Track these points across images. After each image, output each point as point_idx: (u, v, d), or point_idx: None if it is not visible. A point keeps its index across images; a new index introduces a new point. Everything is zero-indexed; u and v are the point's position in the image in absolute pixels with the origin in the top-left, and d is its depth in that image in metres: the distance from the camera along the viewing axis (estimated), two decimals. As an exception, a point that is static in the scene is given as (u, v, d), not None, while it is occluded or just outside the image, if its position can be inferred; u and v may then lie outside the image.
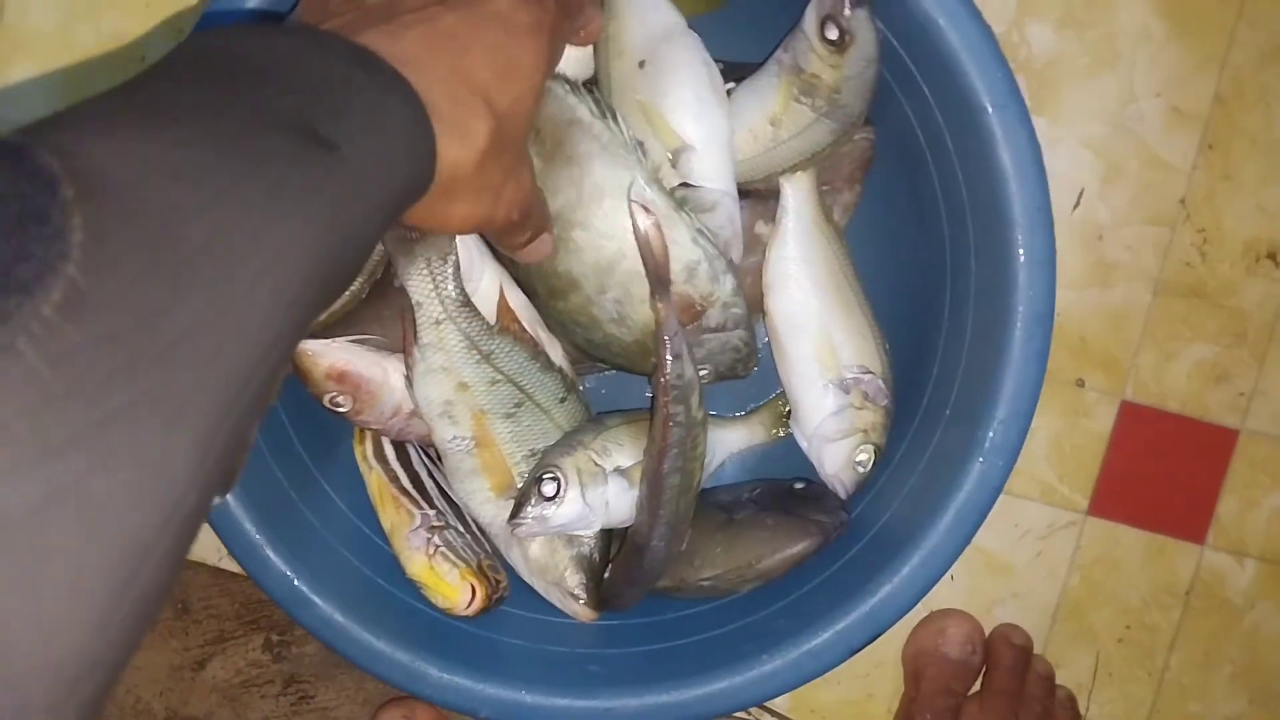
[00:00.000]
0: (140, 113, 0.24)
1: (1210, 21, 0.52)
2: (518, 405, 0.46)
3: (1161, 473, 0.55)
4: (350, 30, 0.31)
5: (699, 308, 0.44)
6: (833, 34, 0.41)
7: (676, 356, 0.43)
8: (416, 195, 0.31)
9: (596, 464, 0.45)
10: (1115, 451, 0.54)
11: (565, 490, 0.44)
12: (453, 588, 0.45)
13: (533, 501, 0.44)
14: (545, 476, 0.45)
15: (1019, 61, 0.53)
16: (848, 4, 0.41)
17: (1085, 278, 0.53)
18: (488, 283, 0.46)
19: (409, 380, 0.46)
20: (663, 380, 0.44)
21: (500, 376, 0.46)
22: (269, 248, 0.23)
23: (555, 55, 0.37)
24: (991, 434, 0.41)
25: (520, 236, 0.40)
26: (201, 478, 0.21)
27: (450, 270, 0.44)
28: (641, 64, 0.44)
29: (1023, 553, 0.55)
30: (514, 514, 0.45)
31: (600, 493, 0.45)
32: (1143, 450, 0.54)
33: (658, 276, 0.42)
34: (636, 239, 0.42)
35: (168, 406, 0.20)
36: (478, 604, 0.45)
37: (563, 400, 0.47)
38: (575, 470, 0.45)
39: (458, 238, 0.45)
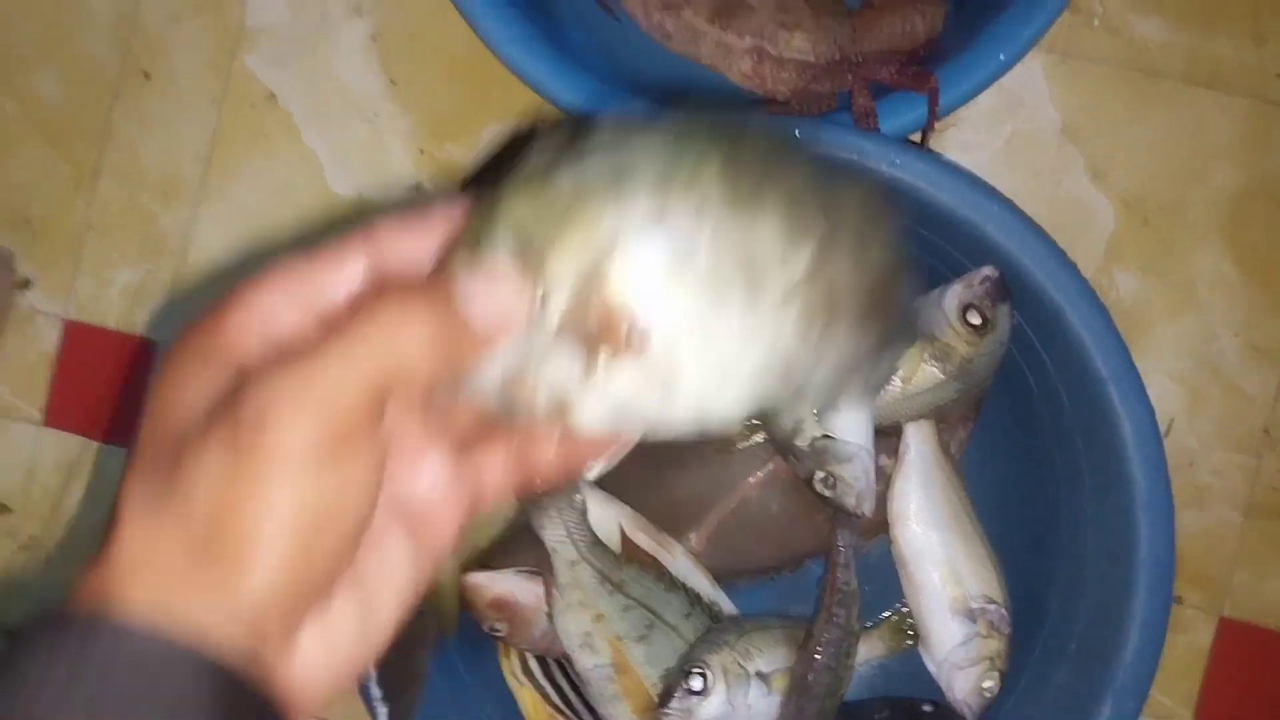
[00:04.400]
0: None
1: (1279, 267, 0.58)
2: (649, 627, 0.50)
3: (1262, 687, 0.57)
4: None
5: None
6: (975, 320, 0.47)
7: (845, 565, 0.49)
8: None
9: (741, 665, 0.49)
10: (1216, 666, 0.57)
11: (712, 686, 0.48)
12: (622, 802, 0.48)
13: (679, 695, 0.48)
14: (694, 671, 0.48)
15: (1108, 303, 0.58)
16: (992, 299, 0.47)
17: (1179, 500, 0.57)
18: (609, 519, 0.51)
19: (549, 616, 0.50)
20: (832, 582, 0.48)
21: (632, 602, 0.50)
22: None
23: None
24: (1121, 676, 0.44)
25: None
26: None
27: (579, 515, 0.49)
28: None
29: (1130, 763, 0.57)
30: (660, 703, 0.48)
31: (743, 693, 0.48)
32: (1243, 665, 0.57)
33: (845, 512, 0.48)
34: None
35: None
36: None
37: (688, 615, 0.51)
38: (721, 668, 0.48)
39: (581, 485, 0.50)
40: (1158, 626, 0.44)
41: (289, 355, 0.23)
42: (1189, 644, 0.57)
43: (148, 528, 0.22)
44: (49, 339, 0.62)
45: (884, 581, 0.55)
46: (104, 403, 0.61)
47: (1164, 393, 0.58)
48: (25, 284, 0.63)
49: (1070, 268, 0.45)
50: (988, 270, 0.47)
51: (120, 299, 0.62)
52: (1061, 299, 0.45)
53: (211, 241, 0.61)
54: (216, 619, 0.22)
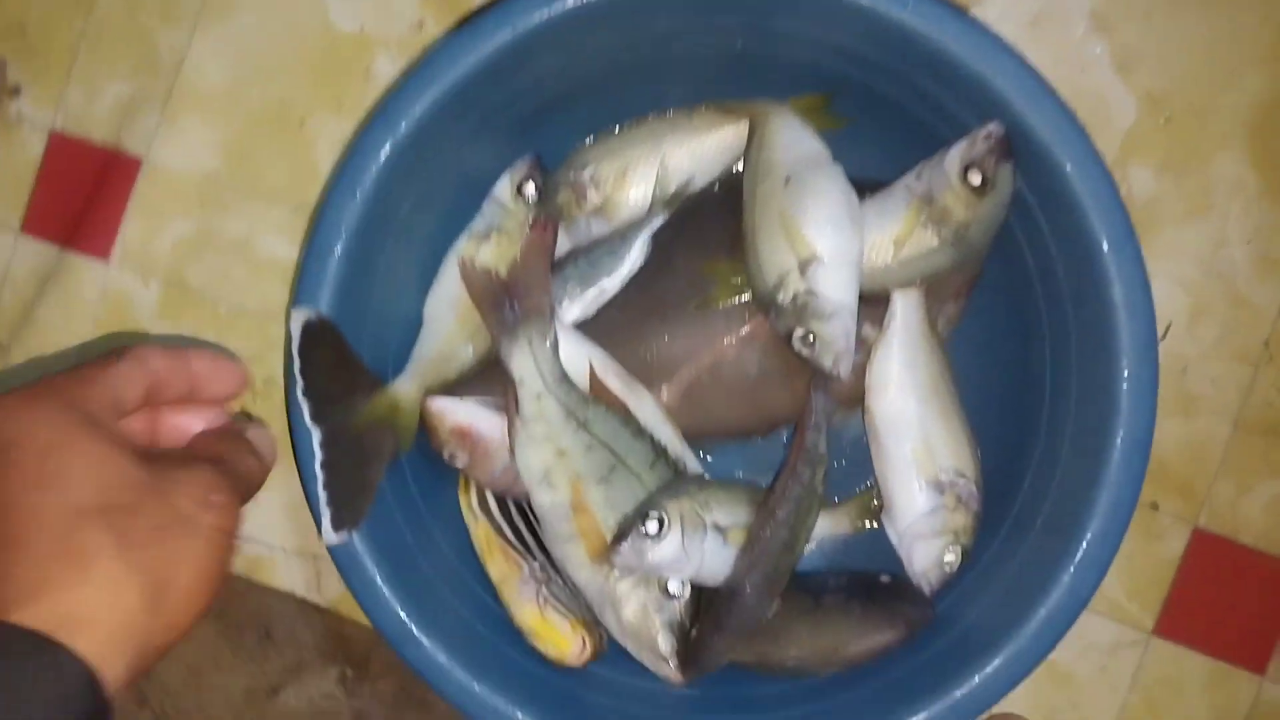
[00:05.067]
0: None
1: (1302, 179, 0.56)
2: (611, 469, 0.49)
3: (1229, 601, 0.56)
4: None
5: None
6: (976, 179, 0.45)
7: (816, 428, 0.48)
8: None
9: (699, 514, 0.48)
10: (1185, 576, 0.56)
11: (667, 530, 0.47)
12: (565, 638, 0.47)
13: (633, 537, 0.47)
14: (650, 513, 0.47)
15: (1118, 199, 0.56)
16: (995, 157, 0.45)
17: (1168, 406, 0.56)
18: (579, 358, 0.50)
19: (512, 449, 0.49)
20: (799, 441, 0.48)
21: (596, 442, 0.49)
22: None
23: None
24: (1085, 547, 0.43)
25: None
26: None
27: (550, 348, 0.48)
28: (787, 180, 0.48)
29: (1086, 666, 0.57)
30: (614, 543, 0.47)
31: (698, 541, 0.48)
32: (1212, 578, 0.56)
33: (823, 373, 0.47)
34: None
35: None
36: (588, 654, 0.47)
37: (652, 465, 0.50)
38: (678, 514, 0.48)
39: (554, 320, 0.49)
40: (1127, 500, 0.43)
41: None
42: (1160, 552, 0.56)
43: (116, 586, 0.31)
44: (34, 148, 0.61)
45: (855, 461, 0.54)
46: (82, 216, 0.60)
47: (1166, 296, 0.56)
48: (15, 91, 0.61)
49: (1078, 128, 0.43)
50: (992, 126, 0.45)
51: (108, 113, 0.60)
52: (1065, 157, 0.43)
53: (206, 63, 0.60)
54: (122, 664, 0.31)
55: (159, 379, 0.37)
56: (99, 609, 0.30)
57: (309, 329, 0.45)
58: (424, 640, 0.46)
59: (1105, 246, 0.42)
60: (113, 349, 0.37)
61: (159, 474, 0.34)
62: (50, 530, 0.31)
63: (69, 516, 0.31)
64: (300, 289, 0.45)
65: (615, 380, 0.50)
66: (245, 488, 0.38)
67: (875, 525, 0.53)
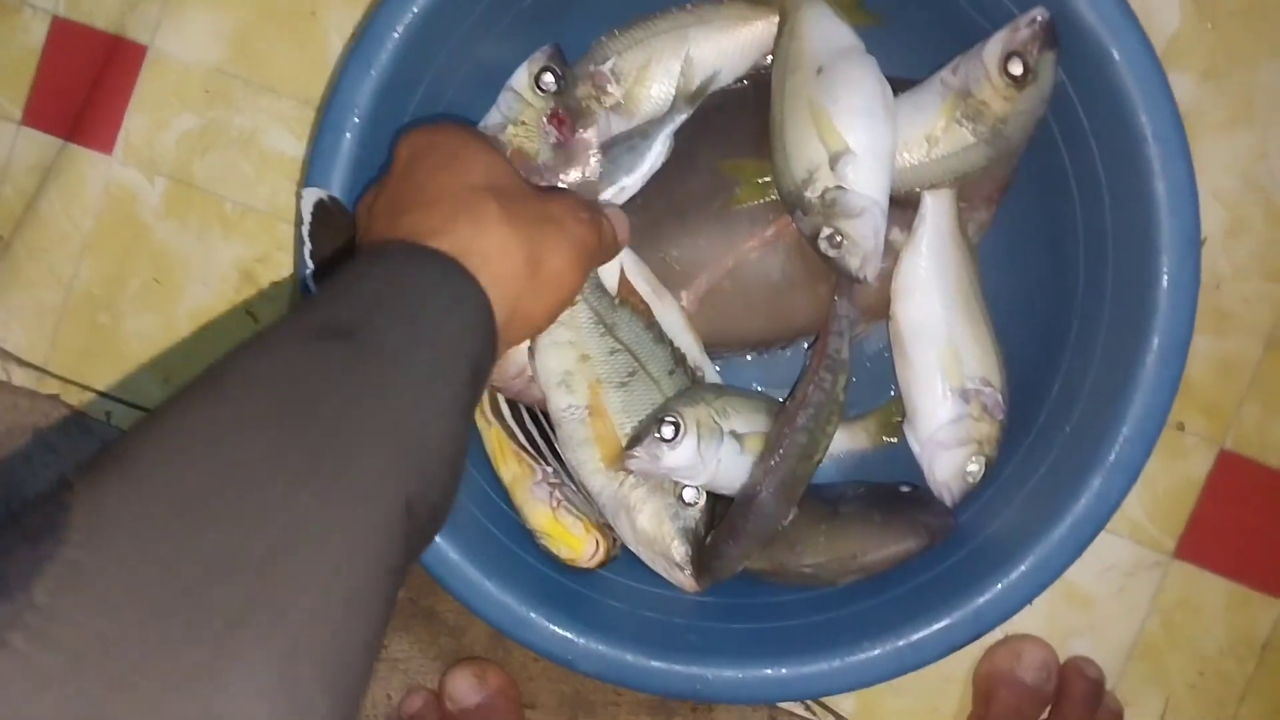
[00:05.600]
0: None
1: (1349, 90, 0.54)
2: (631, 374, 0.48)
3: (1252, 525, 0.55)
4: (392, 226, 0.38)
5: None
6: (1017, 69, 0.43)
7: (839, 334, 0.46)
8: (486, 353, 0.36)
9: (715, 421, 0.47)
10: (1208, 498, 0.55)
11: (683, 436, 0.46)
12: (578, 539, 0.46)
13: (648, 441, 0.46)
14: (666, 419, 0.46)
15: (1157, 107, 0.54)
16: (1038, 45, 0.43)
17: (1199, 323, 0.54)
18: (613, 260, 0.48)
19: (531, 350, 0.48)
20: (822, 348, 0.47)
21: (619, 347, 0.47)
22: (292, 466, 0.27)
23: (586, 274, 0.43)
24: (1115, 451, 0.42)
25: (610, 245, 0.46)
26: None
27: None
28: (819, 70, 0.46)
29: (1105, 587, 0.56)
30: (629, 447, 0.47)
31: (714, 448, 0.47)
32: (1236, 500, 0.55)
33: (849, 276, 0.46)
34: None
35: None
36: (600, 556, 0.47)
37: (671, 372, 0.49)
38: (695, 421, 0.47)
39: None
40: (1162, 404, 0.42)
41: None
42: (1185, 472, 0.55)
43: (505, 242, 0.38)
44: (36, 34, 0.59)
45: (875, 375, 0.53)
46: (85, 107, 0.58)
47: (1204, 209, 0.53)
48: (14, -25, 0.59)
49: (1129, 13, 0.42)
50: (1037, 11, 0.43)
51: (112, -1, 0.58)
52: (1113, 45, 0.41)
53: (212, -53, 0.57)
54: (503, 308, 0.37)
55: None
56: (493, 251, 0.36)
57: (320, 210, 0.43)
58: (436, 539, 0.45)
59: (1150, 137, 0.41)
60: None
61: (537, 189, 0.41)
62: (455, 196, 0.38)
63: (469, 189, 0.38)
64: (312, 168, 0.44)
65: (643, 283, 0.49)
66: (601, 248, 0.43)
67: (895, 440, 0.52)
